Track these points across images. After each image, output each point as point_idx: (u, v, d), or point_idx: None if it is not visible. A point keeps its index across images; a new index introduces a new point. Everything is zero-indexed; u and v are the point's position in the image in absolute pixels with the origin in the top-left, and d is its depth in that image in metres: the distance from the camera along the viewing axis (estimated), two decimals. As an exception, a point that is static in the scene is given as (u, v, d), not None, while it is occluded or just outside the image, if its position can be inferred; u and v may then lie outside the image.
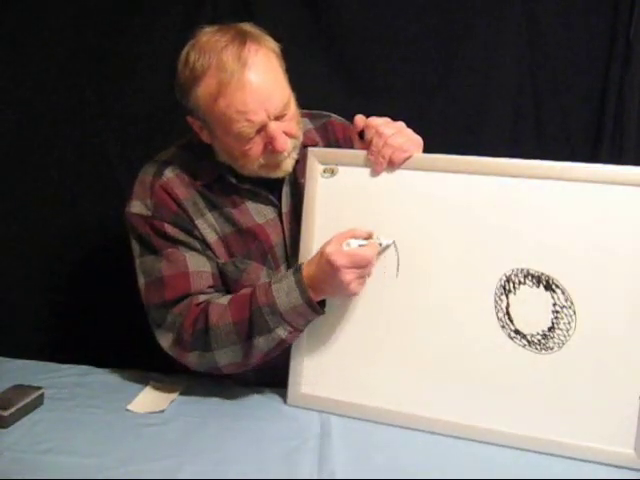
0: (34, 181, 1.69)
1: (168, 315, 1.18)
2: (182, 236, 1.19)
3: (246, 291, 1.17)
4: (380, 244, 1.12)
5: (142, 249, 1.21)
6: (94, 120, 1.67)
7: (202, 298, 1.18)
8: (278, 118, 1.13)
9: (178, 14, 1.62)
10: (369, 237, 1.12)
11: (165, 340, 1.19)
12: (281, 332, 1.13)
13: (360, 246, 1.10)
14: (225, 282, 1.23)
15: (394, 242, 1.13)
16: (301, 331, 1.15)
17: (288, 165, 1.18)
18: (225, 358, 1.16)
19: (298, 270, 1.13)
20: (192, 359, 1.18)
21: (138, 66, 1.65)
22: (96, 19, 1.64)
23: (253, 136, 1.12)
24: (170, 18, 1.62)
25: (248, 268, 1.22)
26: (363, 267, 1.09)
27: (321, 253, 1.10)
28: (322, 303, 1.14)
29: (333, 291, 1.12)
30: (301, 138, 1.20)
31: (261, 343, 1.13)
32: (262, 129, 1.12)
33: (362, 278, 1.11)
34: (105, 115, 1.67)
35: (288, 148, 1.15)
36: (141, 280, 1.21)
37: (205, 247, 1.21)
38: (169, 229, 1.19)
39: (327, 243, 1.11)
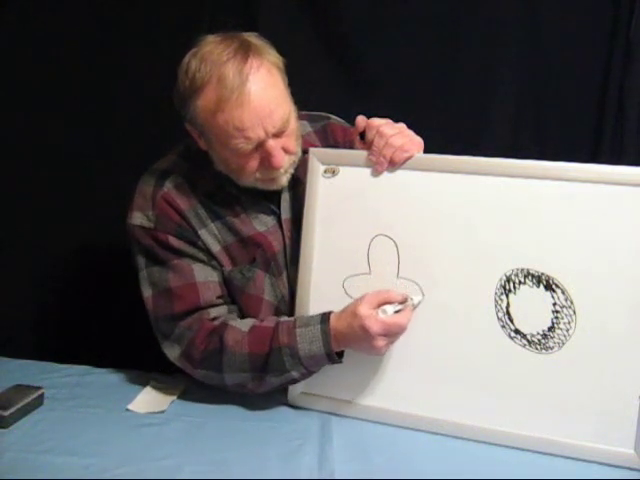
0: (35, 184, 1.69)
1: (176, 328, 1.17)
2: (186, 248, 1.19)
3: (269, 324, 1.15)
4: (413, 304, 1.10)
5: (147, 261, 1.20)
6: (95, 124, 1.67)
7: (213, 313, 1.18)
8: (277, 135, 1.12)
9: (177, 18, 1.62)
10: (404, 301, 1.10)
11: (172, 352, 1.19)
12: (295, 374, 1.13)
13: (396, 312, 1.08)
14: (230, 290, 1.22)
15: (423, 296, 1.11)
16: (313, 373, 1.15)
17: (283, 180, 1.18)
18: (233, 380, 1.16)
19: (325, 320, 1.11)
20: (200, 375, 1.18)
21: (139, 71, 1.64)
22: (96, 23, 1.64)
23: (250, 152, 1.12)
24: (170, 23, 1.62)
25: (254, 276, 1.21)
26: (397, 334, 1.09)
27: (354, 313, 1.08)
28: (340, 353, 1.13)
29: (359, 350, 1.11)
30: (299, 154, 1.19)
31: (273, 380, 1.14)
32: (260, 145, 1.11)
33: (392, 343, 1.11)
34: (105, 118, 1.67)
35: (284, 165, 1.15)
36: (147, 292, 1.20)
37: (210, 257, 1.20)
38: (173, 241, 1.18)
39: (359, 303, 1.09)
